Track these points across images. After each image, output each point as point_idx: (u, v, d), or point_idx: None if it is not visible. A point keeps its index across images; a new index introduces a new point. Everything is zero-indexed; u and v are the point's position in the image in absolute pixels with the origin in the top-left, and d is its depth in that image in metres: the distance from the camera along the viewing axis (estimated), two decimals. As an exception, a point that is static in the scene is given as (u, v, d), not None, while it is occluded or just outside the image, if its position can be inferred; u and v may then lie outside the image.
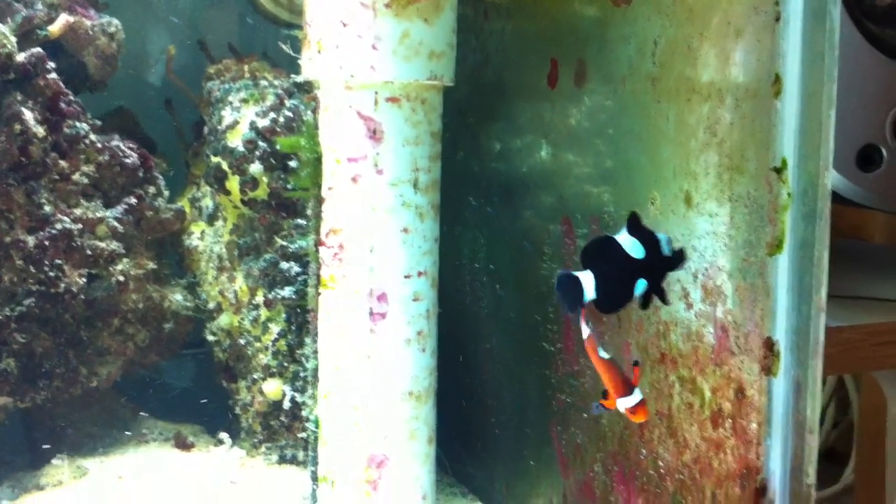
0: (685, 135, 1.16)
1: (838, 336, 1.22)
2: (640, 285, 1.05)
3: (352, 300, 1.43)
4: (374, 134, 1.40)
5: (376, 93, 1.38)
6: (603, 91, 1.31)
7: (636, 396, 1.07)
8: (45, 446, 1.73)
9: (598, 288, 1.03)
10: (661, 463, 1.23)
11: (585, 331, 1.09)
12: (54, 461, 1.69)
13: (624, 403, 1.07)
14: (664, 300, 1.08)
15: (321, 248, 1.46)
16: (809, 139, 1.03)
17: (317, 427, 1.51)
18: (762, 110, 1.04)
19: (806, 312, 1.06)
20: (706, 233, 1.13)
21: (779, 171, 1.03)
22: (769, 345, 1.06)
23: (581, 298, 1.03)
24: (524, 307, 1.53)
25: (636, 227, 1.07)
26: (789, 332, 1.06)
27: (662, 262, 1.07)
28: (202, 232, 1.85)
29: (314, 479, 1.54)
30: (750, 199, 1.07)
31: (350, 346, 1.44)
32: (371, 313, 1.42)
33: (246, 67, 1.81)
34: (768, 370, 1.06)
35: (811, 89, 1.02)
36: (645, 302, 1.08)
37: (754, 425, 1.08)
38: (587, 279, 1.03)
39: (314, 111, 1.46)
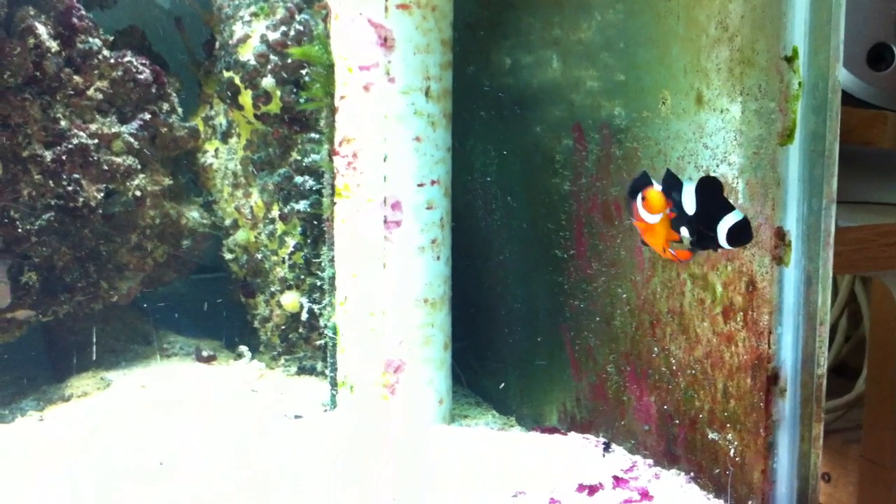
0: (695, 32, 1.16)
1: (848, 235, 1.24)
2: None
3: (366, 208, 1.44)
4: (386, 41, 1.40)
5: (387, -1, 1.39)
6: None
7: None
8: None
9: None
10: (672, 360, 1.25)
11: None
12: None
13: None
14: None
15: (335, 158, 1.47)
16: (819, 31, 1.04)
17: (335, 334, 1.54)
18: (773, 1, 1.04)
19: (816, 205, 1.07)
20: (717, 129, 1.14)
21: (790, 60, 1.04)
22: (780, 234, 1.07)
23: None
24: (536, 217, 1.54)
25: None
26: (800, 223, 1.08)
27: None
28: (216, 150, 1.86)
29: (333, 384, 1.57)
30: (761, 92, 1.07)
31: (365, 254, 1.46)
32: (385, 221, 1.44)
33: (255, -16, 1.80)
34: (780, 260, 1.08)
35: (822, -21, 1.03)
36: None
37: (766, 316, 1.10)
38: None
39: (325, 20, 1.47)
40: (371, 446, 1.41)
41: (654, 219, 1.06)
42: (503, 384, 1.70)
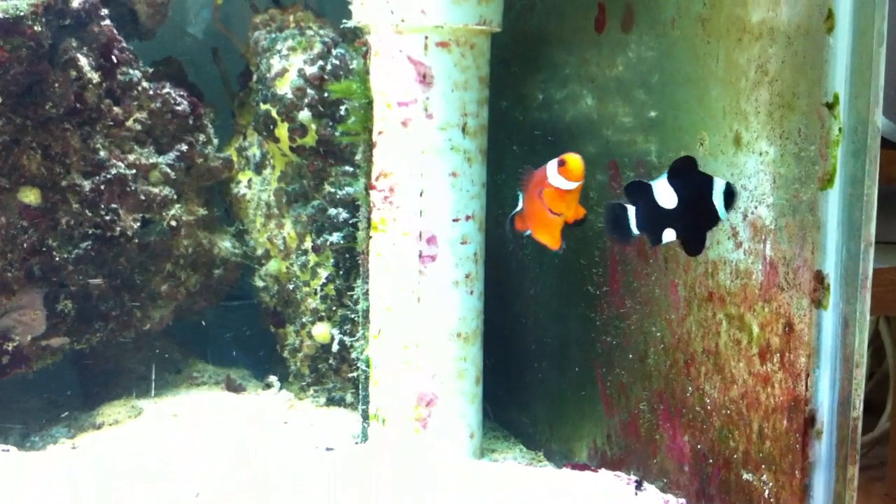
0: (735, 75, 1.17)
1: (883, 277, 1.24)
2: (668, 235, 1.09)
3: (402, 242, 1.46)
4: (424, 78, 1.42)
5: (426, 37, 1.41)
6: (651, 34, 1.33)
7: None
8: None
9: (638, 222, 1.08)
10: (707, 399, 1.25)
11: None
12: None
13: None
14: (689, 250, 1.12)
15: (372, 192, 1.48)
16: (859, 76, 1.05)
17: (368, 367, 1.54)
18: (814, 47, 1.05)
19: (854, 248, 1.07)
20: (755, 171, 1.15)
21: (830, 106, 1.04)
22: (819, 278, 1.08)
23: (627, 229, 1.08)
24: (569, 252, 1.54)
25: (679, 174, 1.09)
26: (838, 266, 1.08)
27: (703, 212, 1.10)
28: (249, 180, 1.88)
29: (365, 417, 1.58)
30: (801, 136, 1.08)
31: (400, 288, 1.47)
32: (420, 255, 1.45)
33: (291, 17, 1.82)
34: (818, 303, 1.08)
35: (862, 25, 1.04)
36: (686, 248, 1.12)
37: (803, 358, 1.10)
38: (631, 211, 1.10)
39: (364, 56, 1.48)
40: (404, 480, 1.41)
41: (568, 186, 1.09)
42: (533, 419, 1.70)
